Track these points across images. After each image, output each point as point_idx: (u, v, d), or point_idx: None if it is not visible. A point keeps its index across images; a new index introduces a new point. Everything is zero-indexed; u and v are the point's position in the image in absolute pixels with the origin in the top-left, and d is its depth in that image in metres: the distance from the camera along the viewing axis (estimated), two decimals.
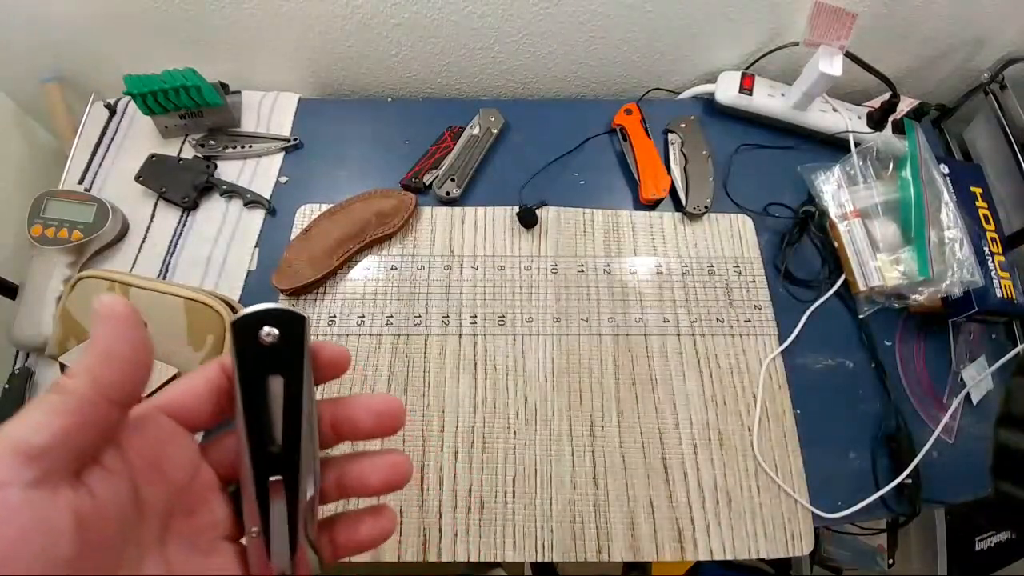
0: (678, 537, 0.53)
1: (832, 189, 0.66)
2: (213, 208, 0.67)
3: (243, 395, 0.19)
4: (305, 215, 0.66)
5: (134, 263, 0.63)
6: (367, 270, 0.63)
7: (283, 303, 0.61)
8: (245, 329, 0.19)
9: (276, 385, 0.19)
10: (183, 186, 0.66)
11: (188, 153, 0.69)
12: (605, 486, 0.54)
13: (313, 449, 0.20)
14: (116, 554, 0.17)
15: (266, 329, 0.19)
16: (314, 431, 0.20)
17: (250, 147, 0.70)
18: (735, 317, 0.62)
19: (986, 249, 0.63)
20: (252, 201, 0.66)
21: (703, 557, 0.52)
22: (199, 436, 0.23)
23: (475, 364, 0.59)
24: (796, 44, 0.69)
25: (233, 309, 0.55)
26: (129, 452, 0.18)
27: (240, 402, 0.19)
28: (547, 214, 0.67)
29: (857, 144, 0.69)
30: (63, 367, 0.48)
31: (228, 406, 0.20)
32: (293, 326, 0.19)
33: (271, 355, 0.19)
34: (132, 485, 0.18)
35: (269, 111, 0.73)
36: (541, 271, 0.64)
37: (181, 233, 0.65)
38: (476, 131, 0.70)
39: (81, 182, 0.67)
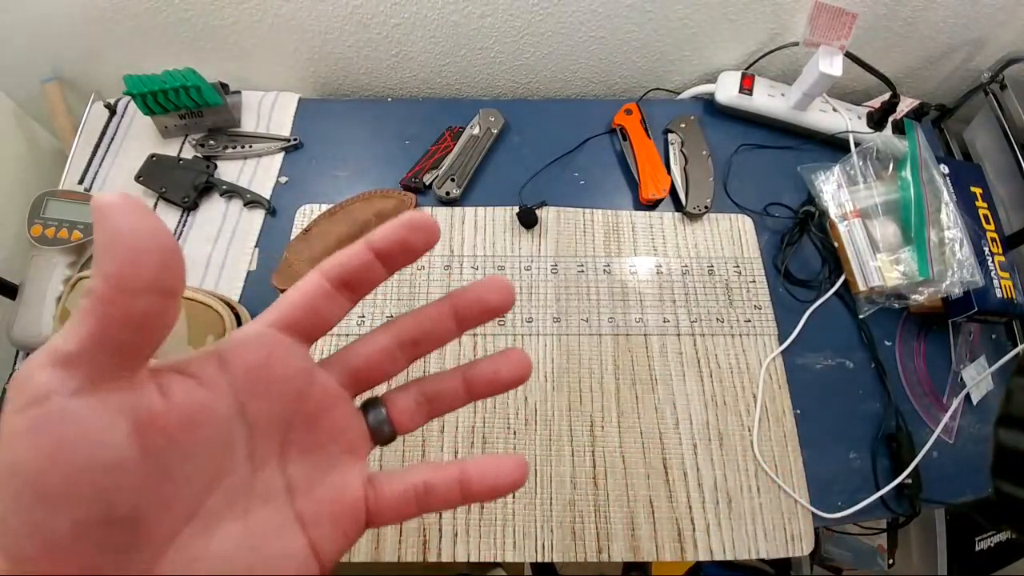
0: (678, 537, 0.53)
1: (832, 189, 0.66)
2: (213, 208, 0.67)
3: None
4: (305, 215, 0.66)
5: None
6: None
7: None
8: None
9: None
10: (183, 186, 0.66)
11: (188, 153, 0.69)
12: (605, 486, 0.54)
13: None
14: (212, 462, 0.17)
15: None
16: None
17: (250, 147, 0.70)
18: (735, 317, 0.62)
19: (986, 249, 0.63)
20: (252, 201, 0.66)
21: (703, 557, 0.52)
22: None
23: None
24: (796, 44, 0.69)
25: (233, 309, 0.55)
26: (232, 367, 0.18)
27: None
28: (547, 214, 0.67)
29: (857, 144, 0.69)
30: None
31: (334, 312, 0.19)
32: None
33: None
34: (235, 398, 0.18)
35: (269, 111, 0.73)
36: (541, 271, 0.64)
37: (181, 233, 0.65)
38: (476, 131, 0.70)
39: (81, 182, 0.67)
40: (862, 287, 0.62)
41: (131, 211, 0.15)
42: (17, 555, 0.14)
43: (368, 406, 0.21)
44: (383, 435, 0.21)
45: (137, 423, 0.15)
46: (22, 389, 0.14)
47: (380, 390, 0.21)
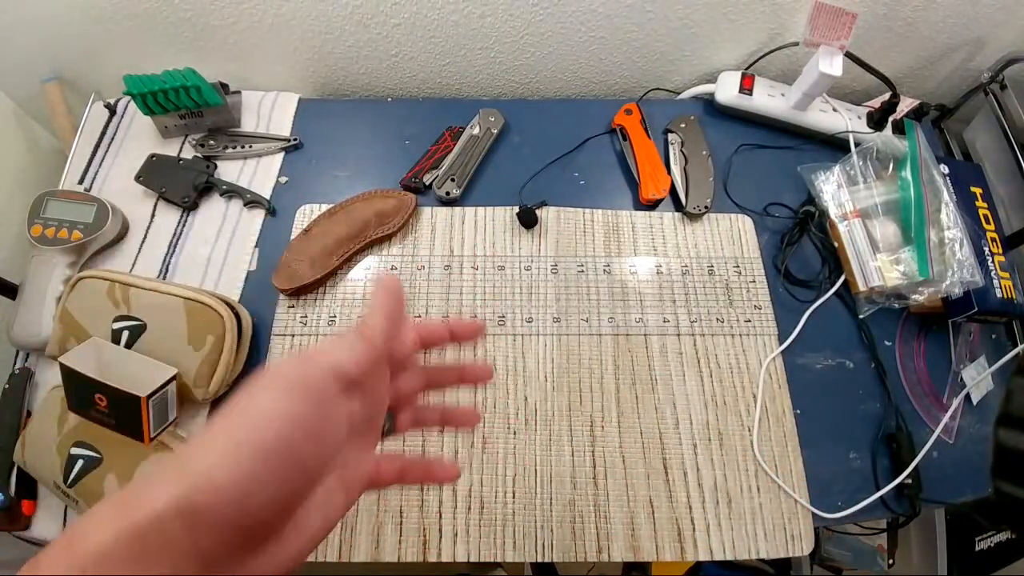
0: (678, 537, 0.53)
1: (832, 189, 0.66)
2: (213, 208, 0.67)
3: None
4: (305, 215, 0.66)
5: (134, 263, 0.63)
6: (367, 270, 0.63)
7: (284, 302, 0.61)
8: None
9: None
10: (183, 186, 0.66)
11: (188, 153, 0.69)
12: (605, 486, 0.54)
13: None
14: (346, 443, 0.26)
15: None
16: None
17: (250, 147, 0.70)
18: (735, 317, 0.62)
19: (986, 249, 0.63)
20: (252, 201, 0.66)
21: (703, 557, 0.52)
22: None
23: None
24: (796, 44, 0.69)
25: (233, 309, 0.55)
26: (367, 387, 0.27)
27: None
28: (547, 214, 0.67)
29: (857, 144, 0.69)
30: (64, 367, 0.48)
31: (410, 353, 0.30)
32: None
33: None
34: (369, 405, 0.27)
35: (269, 111, 0.73)
36: (541, 271, 0.64)
37: (181, 233, 0.65)
38: (476, 131, 0.70)
39: (81, 182, 0.67)
40: (862, 287, 0.62)
41: (398, 290, 0.27)
42: (209, 488, 0.20)
43: None
44: (386, 432, 0.30)
45: (350, 417, 0.25)
46: (303, 381, 0.23)
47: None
